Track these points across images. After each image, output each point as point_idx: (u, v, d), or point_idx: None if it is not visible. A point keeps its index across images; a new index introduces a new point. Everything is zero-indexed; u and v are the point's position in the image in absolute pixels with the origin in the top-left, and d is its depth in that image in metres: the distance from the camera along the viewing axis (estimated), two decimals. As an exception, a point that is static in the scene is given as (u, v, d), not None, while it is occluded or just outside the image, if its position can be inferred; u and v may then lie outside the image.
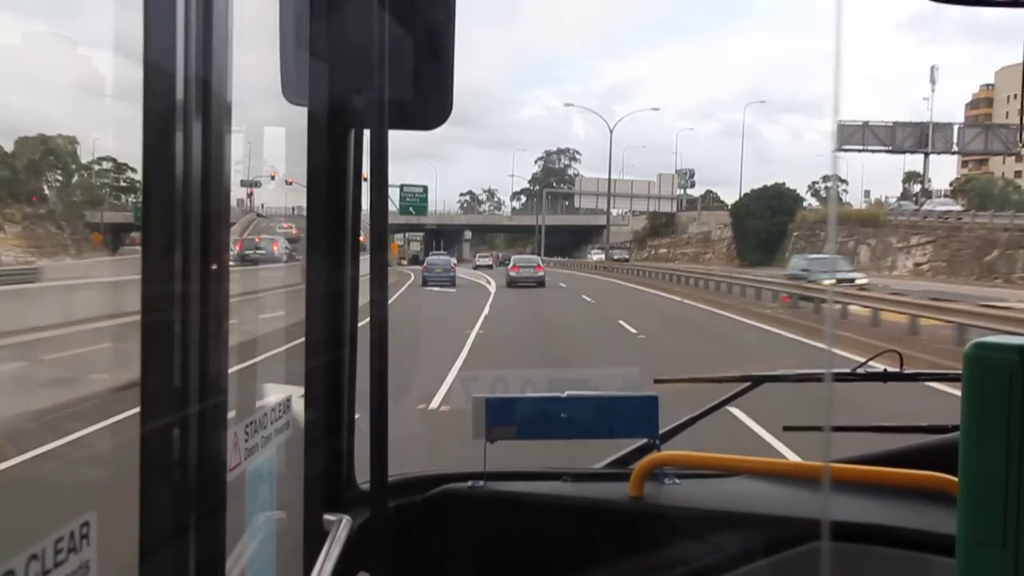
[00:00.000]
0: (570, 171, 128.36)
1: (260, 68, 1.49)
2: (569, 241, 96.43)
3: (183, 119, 0.87)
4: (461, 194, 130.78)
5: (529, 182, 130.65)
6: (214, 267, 0.92)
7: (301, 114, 1.48)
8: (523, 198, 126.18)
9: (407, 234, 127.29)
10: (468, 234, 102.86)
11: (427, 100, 1.41)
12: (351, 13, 1.34)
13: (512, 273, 37.92)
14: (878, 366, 2.22)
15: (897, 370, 2.22)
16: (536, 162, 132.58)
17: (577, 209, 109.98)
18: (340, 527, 1.52)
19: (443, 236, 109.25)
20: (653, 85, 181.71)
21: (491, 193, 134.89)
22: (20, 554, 0.71)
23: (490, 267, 69.94)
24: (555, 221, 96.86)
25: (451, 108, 1.43)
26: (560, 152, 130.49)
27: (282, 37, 1.52)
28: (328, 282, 1.55)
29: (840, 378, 2.15)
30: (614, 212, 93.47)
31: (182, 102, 0.87)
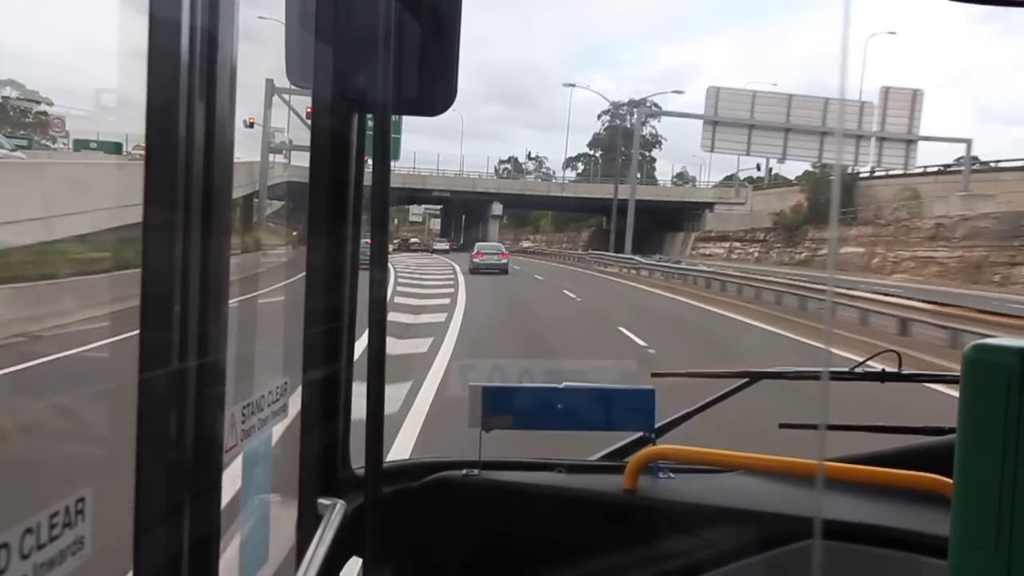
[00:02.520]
0: (645, 129, 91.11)
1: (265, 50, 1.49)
2: (645, 226, 64.05)
3: (187, 98, 0.87)
4: (501, 161, 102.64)
5: (589, 145, 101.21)
6: (215, 249, 0.92)
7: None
8: (579, 166, 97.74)
9: (425, 208, 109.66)
10: (498, 208, 76.95)
11: (432, 85, 1.40)
12: None
13: (476, 260, 38.82)
14: (876, 366, 2.22)
15: (896, 370, 2.22)
16: (599, 118, 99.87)
17: (655, 177, 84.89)
18: (334, 511, 1.52)
19: (466, 212, 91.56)
20: (709, 71, 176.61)
21: (539, 161, 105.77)
22: (15, 527, 0.71)
23: (446, 251, 67.91)
24: (629, 194, 62.90)
25: (455, 94, 1.42)
26: (633, 104, 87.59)
27: (287, 19, 1.52)
28: (328, 265, 1.55)
29: (838, 377, 2.15)
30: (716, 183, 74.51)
31: (186, 81, 0.87)
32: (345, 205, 1.54)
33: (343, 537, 1.47)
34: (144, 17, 0.85)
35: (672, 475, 1.83)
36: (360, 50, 1.33)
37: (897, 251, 45.19)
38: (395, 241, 73.14)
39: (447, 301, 20.85)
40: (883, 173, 54.97)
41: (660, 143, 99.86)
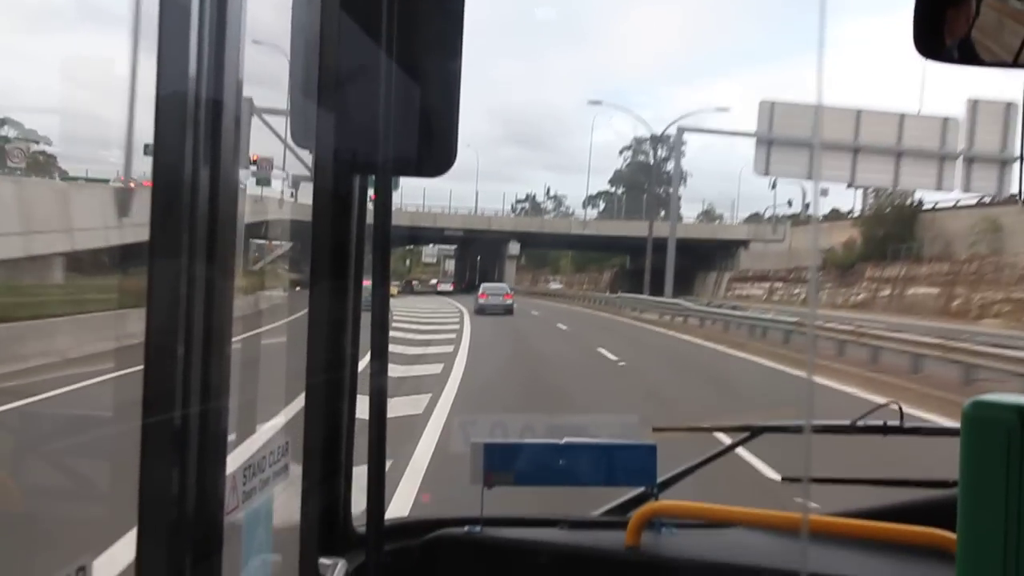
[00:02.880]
0: (670, 166, 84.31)
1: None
2: (678, 264, 55.25)
3: (191, 167, 0.89)
4: (518, 200, 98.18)
5: (610, 182, 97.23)
6: (218, 308, 0.93)
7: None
8: (601, 204, 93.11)
9: (439, 249, 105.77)
10: (515, 248, 72.03)
11: (432, 148, 1.42)
12: (359, 61, 1.36)
13: (481, 300, 38.58)
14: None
15: (897, 424, 2.20)
16: (621, 153, 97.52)
17: (679, 218, 73.94)
18: (336, 571, 1.51)
19: (481, 251, 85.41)
20: (725, 113, 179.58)
21: (558, 200, 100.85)
22: None
23: (450, 292, 67.18)
24: (658, 232, 58.10)
25: (455, 156, 1.44)
26: (657, 140, 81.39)
27: (291, 83, 1.55)
28: (331, 324, 1.56)
29: (839, 430, 2.13)
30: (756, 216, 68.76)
31: (191, 151, 0.88)
32: (347, 265, 1.56)
33: None
34: (152, 68, 0.87)
35: (675, 531, 1.82)
36: (362, 113, 1.35)
37: (984, 292, 37.95)
38: (396, 283, 65.53)
39: (438, 371, 14.76)
40: (951, 204, 46.32)
41: (685, 179, 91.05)
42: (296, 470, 1.50)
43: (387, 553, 1.66)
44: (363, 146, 1.39)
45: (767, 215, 72.11)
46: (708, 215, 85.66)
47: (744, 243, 67.11)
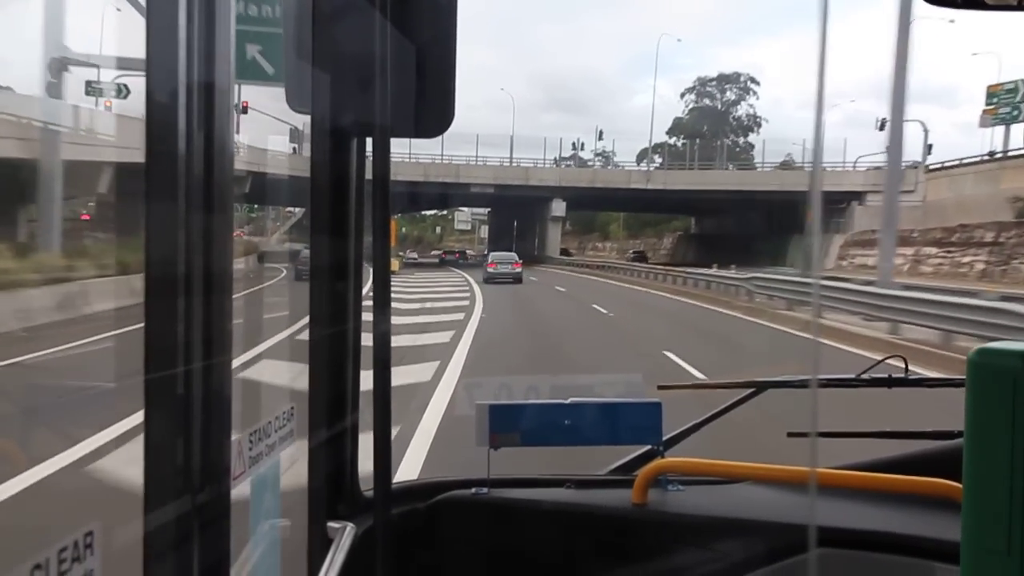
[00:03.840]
0: (740, 109, 78.25)
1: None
2: (752, 227, 51.48)
3: (186, 122, 0.88)
4: (562, 158, 73.96)
5: (669, 132, 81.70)
6: (217, 274, 0.92)
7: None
8: (656, 159, 71.85)
9: (472, 213, 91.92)
10: (560, 207, 59.74)
11: (429, 108, 1.41)
12: (354, 23, 1.34)
13: (489, 270, 38.52)
14: (896, 363, 2.21)
15: (902, 375, 2.21)
16: (682, 97, 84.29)
17: (753, 165, 66.17)
18: (344, 535, 1.52)
19: (518, 215, 72.24)
20: (769, 73, 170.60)
21: (606, 157, 78.34)
22: (23, 563, 0.71)
23: (456, 263, 59.18)
24: (737, 183, 53.55)
25: (453, 116, 1.43)
26: (724, 80, 75.91)
27: (285, 47, 1.53)
28: (332, 289, 1.55)
29: (843, 384, 2.14)
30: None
31: (185, 107, 0.87)
32: (347, 228, 1.55)
33: (354, 560, 1.47)
34: (141, 34, 0.85)
35: (681, 488, 1.83)
36: (357, 75, 1.34)
37: None
38: (401, 256, 59.25)
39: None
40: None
41: (758, 125, 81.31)
42: (303, 433, 1.51)
43: (395, 516, 1.67)
44: (360, 108, 1.37)
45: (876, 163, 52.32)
46: (786, 167, 68.10)
47: (858, 196, 50.78)
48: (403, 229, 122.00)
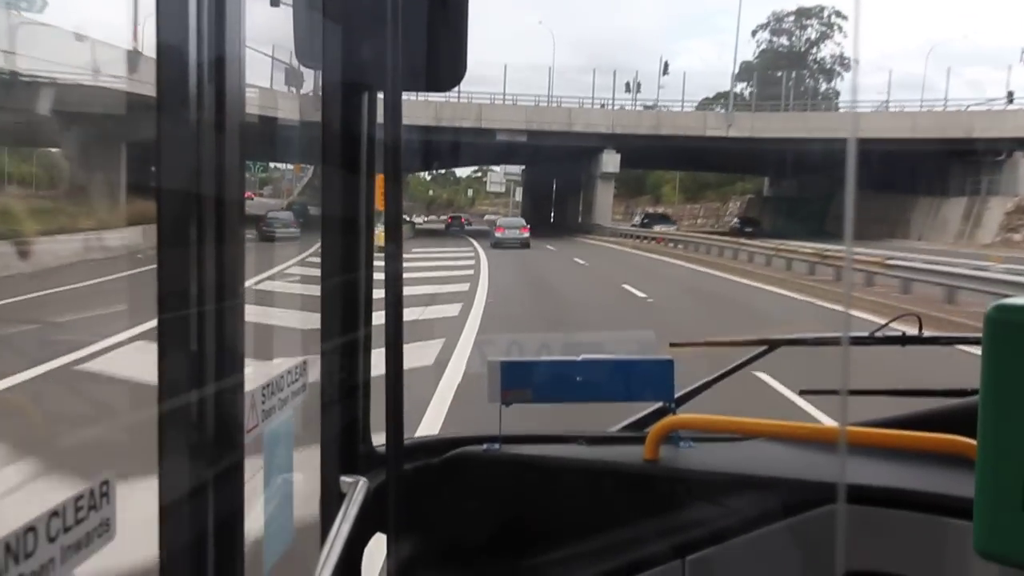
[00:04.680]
0: (822, 50, 64.59)
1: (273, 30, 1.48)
2: (870, 187, 37.09)
3: (197, 80, 0.87)
4: (615, 100, 57.85)
5: (738, 77, 63.30)
6: (230, 232, 0.92)
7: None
8: (718, 110, 57.56)
9: (505, 172, 77.19)
10: (613, 160, 47.13)
11: (441, 61, 1.39)
12: None
13: (497, 235, 37.73)
14: (898, 329, 2.21)
15: (916, 333, 2.20)
16: (754, 35, 69.36)
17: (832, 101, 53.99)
18: (357, 489, 1.53)
19: (557, 173, 59.44)
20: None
21: (657, 108, 58.07)
22: (41, 512, 0.72)
23: (461, 229, 50.88)
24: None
25: (465, 69, 1.41)
26: (803, 15, 62.81)
27: (295, 1, 1.52)
28: (344, 244, 1.55)
29: (857, 341, 2.13)
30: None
31: (195, 65, 0.87)
32: (358, 183, 1.54)
33: (366, 514, 1.49)
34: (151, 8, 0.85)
35: (693, 444, 1.83)
36: (368, 28, 1.32)
37: None
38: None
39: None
40: None
41: (845, 66, 67.96)
42: (315, 389, 1.51)
43: (407, 471, 1.68)
44: (370, 61, 1.36)
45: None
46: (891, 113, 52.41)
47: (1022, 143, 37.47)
48: (430, 192, 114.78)
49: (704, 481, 1.71)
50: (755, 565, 1.61)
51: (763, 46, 69.82)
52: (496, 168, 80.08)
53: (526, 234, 38.22)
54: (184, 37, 0.86)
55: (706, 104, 61.31)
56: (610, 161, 47.30)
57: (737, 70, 63.64)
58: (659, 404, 1.94)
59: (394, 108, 1.25)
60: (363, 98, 1.51)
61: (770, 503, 1.61)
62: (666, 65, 67.56)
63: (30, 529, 0.70)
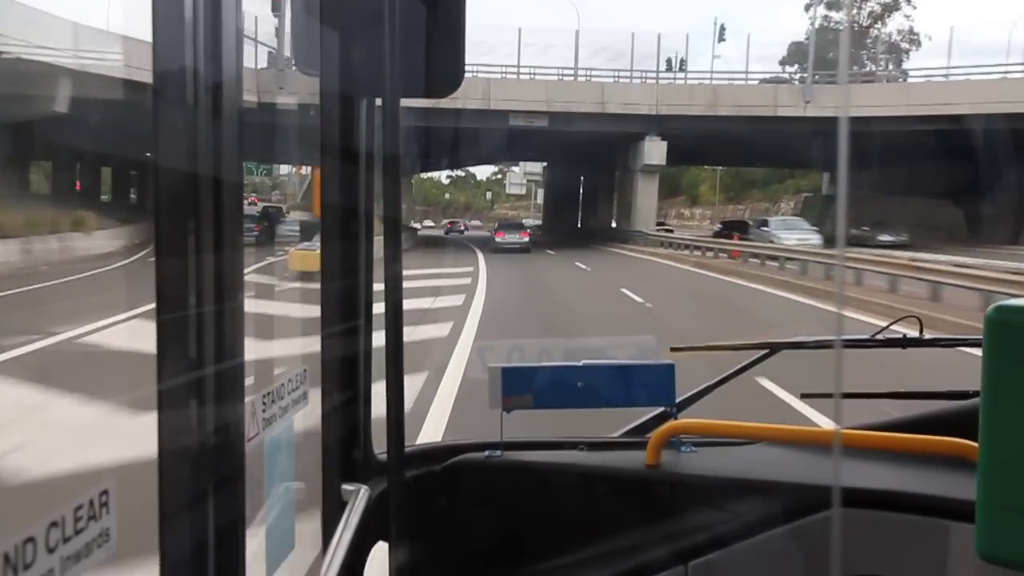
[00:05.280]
0: (894, 25, 54.53)
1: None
2: (938, 184, 32.91)
3: (192, 91, 0.87)
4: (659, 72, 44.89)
5: (782, 62, 57.04)
6: (229, 237, 0.92)
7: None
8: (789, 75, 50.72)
9: (525, 172, 67.59)
10: (657, 149, 37.53)
11: (439, 68, 1.39)
12: None
13: (497, 239, 36.71)
14: (899, 331, 2.21)
15: (917, 335, 2.20)
16: (807, 9, 58.28)
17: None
18: (358, 497, 1.53)
19: (587, 166, 48.95)
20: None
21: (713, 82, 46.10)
22: (40, 521, 0.72)
23: (461, 233, 49.52)
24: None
25: (463, 75, 1.42)
26: None
27: (293, 7, 1.52)
28: (343, 251, 1.55)
29: (857, 344, 2.13)
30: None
31: (192, 71, 0.87)
32: (357, 190, 1.54)
33: (368, 522, 1.48)
34: (147, 11, 0.84)
35: (695, 449, 1.83)
36: (365, 35, 1.33)
37: None
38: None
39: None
40: None
41: (916, 44, 58.10)
42: (315, 398, 1.51)
43: (409, 479, 1.68)
44: (368, 68, 1.36)
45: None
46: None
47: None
48: (447, 195, 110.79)
49: (706, 486, 1.71)
50: (758, 570, 1.61)
51: (817, 22, 55.10)
52: (516, 168, 72.19)
53: (526, 238, 37.48)
54: (180, 37, 0.85)
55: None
56: (654, 151, 36.75)
57: (788, 47, 54.99)
58: (660, 409, 1.94)
59: (392, 114, 1.25)
60: (361, 104, 1.52)
61: (772, 507, 1.61)
62: (722, 29, 51.22)
63: (29, 540, 0.70)
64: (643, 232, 37.56)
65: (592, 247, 37.35)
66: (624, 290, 18.66)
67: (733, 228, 36.60)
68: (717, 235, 36.21)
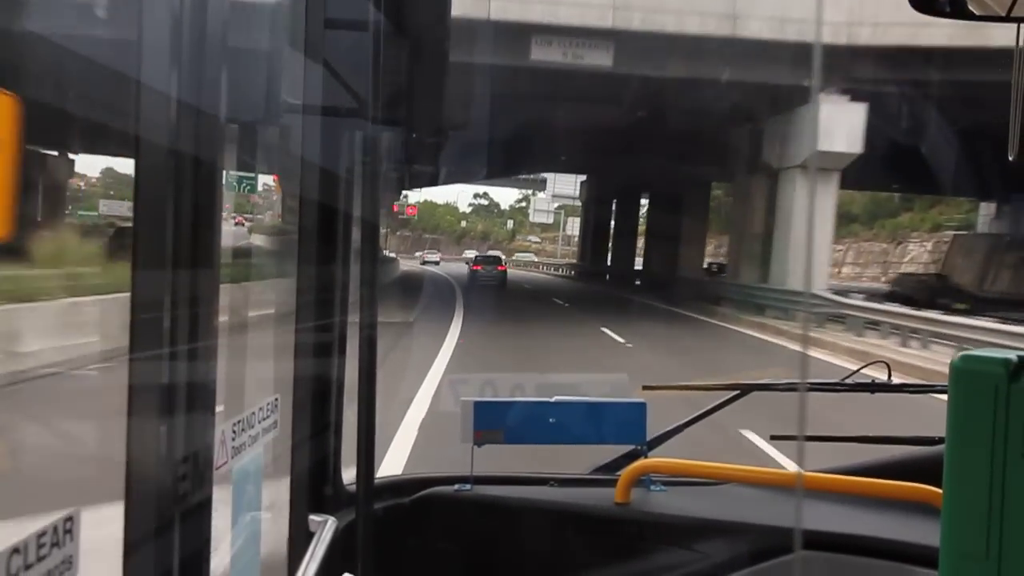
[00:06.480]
0: None
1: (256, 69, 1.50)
2: None
3: (176, 115, 0.87)
4: None
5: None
6: (205, 264, 0.92)
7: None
8: None
9: (553, 192, 53.16)
10: (840, 123, 17.39)
11: (420, 103, 1.41)
12: (346, 16, 1.34)
13: (474, 270, 36.86)
14: (868, 376, 2.23)
15: (885, 381, 2.22)
16: None
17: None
18: (325, 528, 1.51)
19: (662, 173, 29.77)
20: None
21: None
22: (2, 548, 0.71)
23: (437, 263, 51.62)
24: None
25: (441, 112, 1.43)
26: None
27: (277, 40, 1.53)
28: (319, 281, 1.55)
29: (822, 388, 2.15)
30: None
31: (176, 99, 0.87)
32: (335, 221, 1.55)
33: (335, 554, 1.47)
34: (135, 34, 0.85)
35: (664, 488, 1.83)
36: (350, 69, 1.34)
37: None
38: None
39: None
40: None
41: None
42: (286, 427, 1.50)
43: (377, 510, 1.67)
44: (351, 102, 1.37)
45: None
46: None
47: None
48: (463, 223, 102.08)
49: (674, 526, 1.71)
50: None
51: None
52: (542, 194, 60.06)
53: (503, 271, 37.27)
54: (165, 47, 0.86)
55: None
56: (838, 124, 18.69)
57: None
58: (631, 446, 1.94)
59: (374, 149, 1.26)
60: (342, 137, 1.53)
61: (738, 549, 1.62)
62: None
63: None
64: (796, 295, 18.66)
65: (675, 320, 21.74)
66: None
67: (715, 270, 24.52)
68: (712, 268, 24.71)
